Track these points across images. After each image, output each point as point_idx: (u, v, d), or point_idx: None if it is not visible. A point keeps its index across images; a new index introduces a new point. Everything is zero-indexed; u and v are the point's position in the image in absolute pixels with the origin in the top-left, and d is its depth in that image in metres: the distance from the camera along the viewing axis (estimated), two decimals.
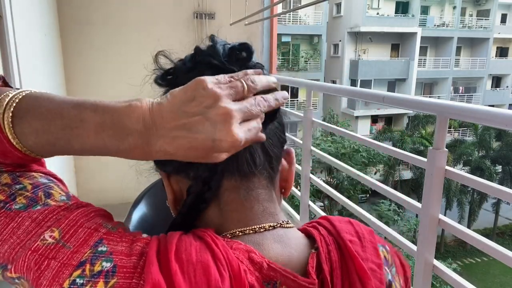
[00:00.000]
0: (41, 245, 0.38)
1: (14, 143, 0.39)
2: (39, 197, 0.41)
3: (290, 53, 19.82)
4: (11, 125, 0.38)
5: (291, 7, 16.29)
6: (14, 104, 0.38)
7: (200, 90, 0.37)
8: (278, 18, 4.78)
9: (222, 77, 0.40)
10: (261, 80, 0.42)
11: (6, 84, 0.44)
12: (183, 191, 0.48)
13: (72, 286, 0.36)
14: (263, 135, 0.41)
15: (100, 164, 2.73)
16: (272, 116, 0.45)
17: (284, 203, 2.19)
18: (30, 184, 0.42)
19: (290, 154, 0.53)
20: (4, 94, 0.39)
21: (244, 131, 0.38)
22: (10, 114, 0.38)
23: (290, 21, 19.00)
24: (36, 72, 1.97)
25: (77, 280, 0.36)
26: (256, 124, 0.40)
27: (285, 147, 0.52)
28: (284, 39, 19.12)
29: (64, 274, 0.37)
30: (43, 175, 0.45)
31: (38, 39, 2.08)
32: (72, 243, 0.38)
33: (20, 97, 0.39)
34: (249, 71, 0.42)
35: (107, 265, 0.37)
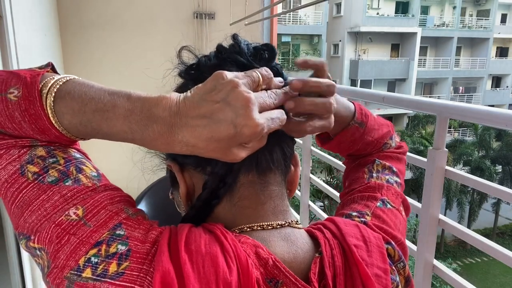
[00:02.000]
0: (65, 220, 0.40)
1: (53, 121, 0.41)
2: (70, 171, 0.43)
3: (290, 53, 19.82)
4: (52, 104, 0.41)
5: (291, 7, 16.29)
6: (58, 86, 0.42)
7: (219, 80, 0.39)
8: (278, 18, 4.79)
9: (239, 73, 0.41)
10: (273, 77, 0.44)
11: (54, 70, 0.48)
12: (196, 185, 0.49)
13: (86, 264, 0.38)
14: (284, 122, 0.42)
15: (101, 164, 2.73)
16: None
17: None
18: (63, 158, 0.44)
19: (295, 157, 0.54)
20: (51, 77, 0.43)
21: (265, 118, 0.39)
22: (53, 94, 0.41)
23: (290, 21, 18.99)
24: None
25: (92, 258, 0.38)
26: (280, 114, 0.42)
27: None
28: (284, 39, 19.12)
29: (81, 251, 0.38)
30: (76, 150, 0.47)
31: (38, 39, 2.08)
32: (93, 222, 0.40)
33: (64, 80, 0.43)
34: (263, 68, 0.44)
35: (122, 248, 0.39)
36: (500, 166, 15.49)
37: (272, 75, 0.44)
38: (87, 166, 0.45)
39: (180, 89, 0.50)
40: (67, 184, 0.42)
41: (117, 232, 0.40)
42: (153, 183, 1.35)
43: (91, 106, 0.41)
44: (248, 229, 0.45)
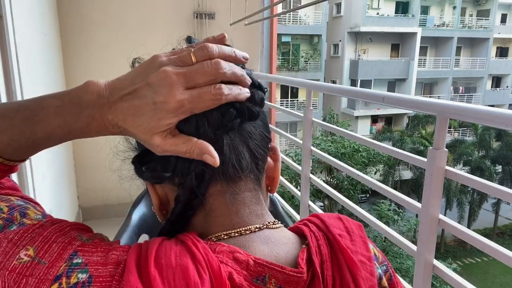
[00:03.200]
0: (18, 264, 0.38)
1: None
2: (14, 217, 0.42)
3: (290, 53, 19.81)
4: None
5: (291, 7, 16.29)
6: None
7: (151, 61, 0.41)
8: (278, 18, 4.78)
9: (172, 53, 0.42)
10: (223, 49, 0.42)
11: None
12: (169, 195, 0.48)
13: None
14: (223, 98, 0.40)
15: (100, 164, 2.73)
16: (251, 115, 0.44)
17: (284, 203, 2.19)
18: (6, 207, 0.43)
19: (275, 151, 0.52)
20: None
21: (189, 94, 0.39)
22: None
23: (290, 21, 18.99)
24: (36, 72, 1.97)
25: None
26: (212, 90, 0.40)
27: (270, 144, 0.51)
28: (284, 39, 19.12)
29: None
30: (19, 198, 0.46)
31: (38, 39, 2.08)
32: (47, 258, 0.39)
33: None
34: (209, 43, 0.42)
35: (82, 276, 0.38)
36: (500, 166, 15.49)
37: (223, 52, 0.42)
38: (31, 211, 0.44)
39: None
40: (12, 229, 0.41)
41: (74, 261, 0.39)
42: None
43: (19, 118, 0.41)
44: (226, 237, 0.44)
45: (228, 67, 0.41)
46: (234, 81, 0.42)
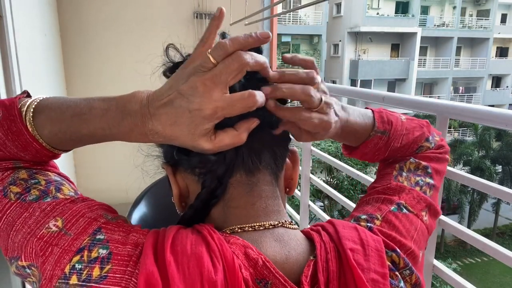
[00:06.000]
0: (46, 232, 0.41)
1: (34, 134, 0.44)
2: (50, 190, 0.45)
3: (290, 53, 19.77)
4: (31, 119, 0.44)
5: (291, 7, 16.28)
6: (35, 103, 0.45)
7: (179, 72, 0.42)
8: (278, 18, 4.78)
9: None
10: (237, 39, 0.41)
11: (29, 97, 0.50)
12: (189, 187, 0.50)
13: (72, 271, 0.39)
14: (258, 99, 0.41)
15: (100, 164, 2.73)
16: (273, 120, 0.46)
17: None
18: (44, 180, 0.47)
19: (294, 153, 0.53)
20: (28, 99, 0.47)
21: (222, 101, 0.39)
22: (31, 110, 0.45)
23: (290, 21, 18.98)
24: (36, 72, 1.97)
25: (76, 265, 0.39)
26: (246, 96, 0.40)
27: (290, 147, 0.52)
28: (284, 39, 19.11)
29: (65, 259, 0.40)
30: (56, 174, 0.50)
31: (38, 39, 2.08)
32: (73, 231, 0.41)
33: (42, 98, 0.46)
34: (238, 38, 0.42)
35: (103, 252, 0.40)
36: (500, 166, 15.48)
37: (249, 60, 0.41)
38: (65, 187, 0.47)
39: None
40: (46, 200, 0.44)
41: (97, 236, 0.41)
42: (153, 183, 1.36)
43: (69, 113, 0.44)
44: (239, 230, 0.45)
45: (249, 57, 0.41)
46: (258, 70, 0.43)
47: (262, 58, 0.43)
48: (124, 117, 0.42)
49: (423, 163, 0.62)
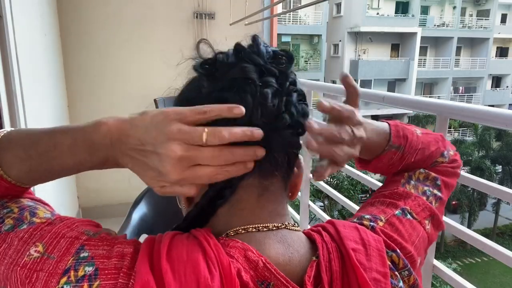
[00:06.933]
0: (28, 260, 0.41)
1: (0, 174, 0.43)
2: (24, 216, 0.45)
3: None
4: None
5: (291, 7, 16.28)
6: None
7: (161, 123, 0.39)
8: (278, 18, 4.78)
9: (190, 113, 0.40)
10: (235, 132, 0.40)
11: None
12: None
13: None
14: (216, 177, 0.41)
15: None
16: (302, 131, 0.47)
17: None
18: (16, 207, 0.46)
19: (299, 160, 0.53)
20: None
21: (190, 174, 0.40)
22: None
23: (290, 21, 18.99)
24: (36, 72, 1.97)
25: (65, 286, 0.39)
26: (208, 172, 0.40)
27: None
28: (284, 39, 19.11)
29: (52, 283, 0.39)
30: (29, 199, 0.49)
31: (38, 39, 2.08)
32: (56, 253, 0.41)
33: (2, 134, 0.45)
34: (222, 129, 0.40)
35: (89, 269, 0.39)
36: (500, 166, 15.48)
37: (235, 136, 0.40)
38: (40, 210, 0.46)
39: (190, 83, 0.50)
40: (22, 228, 0.43)
41: (81, 255, 0.41)
42: None
43: (36, 150, 0.43)
44: (243, 231, 0.45)
45: (236, 156, 0.41)
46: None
47: (244, 156, 0.42)
48: (94, 151, 0.42)
49: (433, 174, 0.62)
